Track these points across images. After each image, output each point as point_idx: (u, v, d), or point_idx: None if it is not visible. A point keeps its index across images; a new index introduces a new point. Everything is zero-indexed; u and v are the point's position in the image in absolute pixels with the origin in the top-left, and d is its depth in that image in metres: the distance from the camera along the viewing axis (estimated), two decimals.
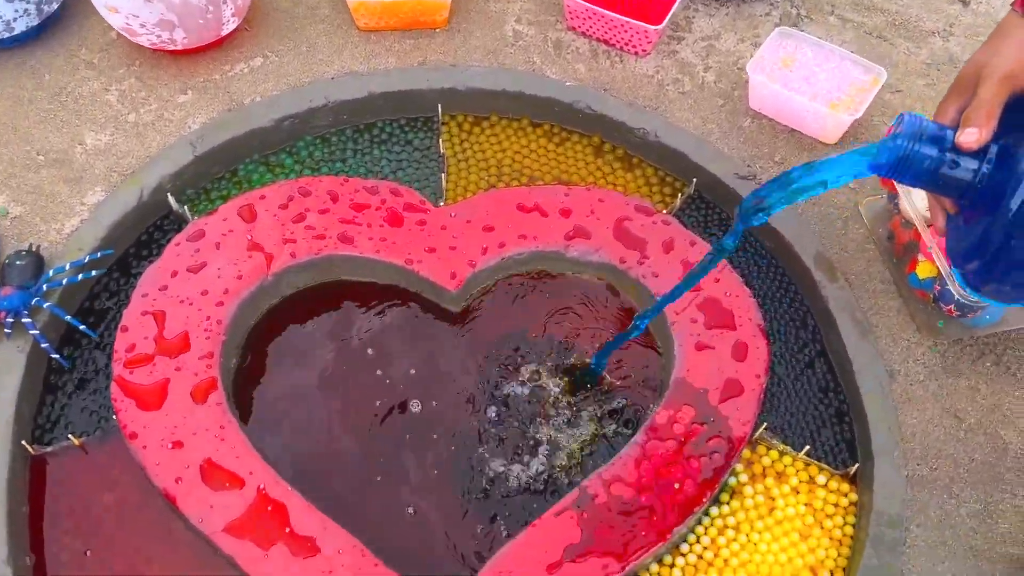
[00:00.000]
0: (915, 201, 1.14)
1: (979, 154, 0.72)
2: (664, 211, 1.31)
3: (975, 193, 0.73)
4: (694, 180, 1.35)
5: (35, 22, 1.37)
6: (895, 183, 1.17)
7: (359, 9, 1.42)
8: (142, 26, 1.31)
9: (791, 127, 1.37)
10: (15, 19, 1.34)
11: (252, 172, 1.36)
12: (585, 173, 1.37)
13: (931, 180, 0.74)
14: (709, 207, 1.35)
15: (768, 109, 1.38)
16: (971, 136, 0.71)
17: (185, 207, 1.30)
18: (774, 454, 1.13)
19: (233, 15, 1.36)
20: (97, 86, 1.39)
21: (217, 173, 1.36)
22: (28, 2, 1.34)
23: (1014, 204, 0.68)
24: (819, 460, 1.13)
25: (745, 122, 1.39)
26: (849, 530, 1.09)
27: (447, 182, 1.35)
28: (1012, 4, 0.82)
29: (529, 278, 1.27)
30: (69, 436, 1.11)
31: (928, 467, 1.09)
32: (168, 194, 1.30)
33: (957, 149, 0.72)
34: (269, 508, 1.03)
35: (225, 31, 1.38)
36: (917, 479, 1.08)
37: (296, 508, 1.03)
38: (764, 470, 1.13)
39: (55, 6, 1.39)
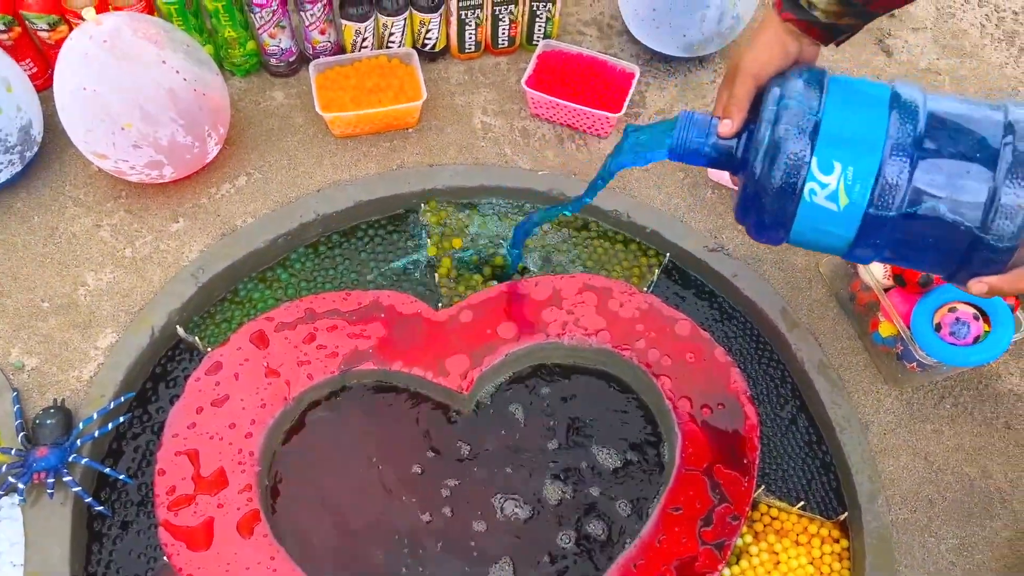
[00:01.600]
0: (873, 270, 1.27)
1: (739, 138, 0.94)
2: (645, 289, 1.41)
3: (737, 168, 0.95)
4: (667, 255, 1.46)
5: (19, 168, 1.40)
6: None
7: (335, 122, 1.49)
8: (132, 168, 1.35)
9: None
10: (1, 170, 1.37)
11: (252, 291, 1.42)
12: (568, 253, 1.47)
13: (709, 161, 0.97)
14: (684, 276, 1.47)
15: (726, 180, 1.50)
16: (725, 127, 0.94)
17: (195, 337, 1.36)
18: (774, 512, 1.26)
19: (216, 144, 1.42)
20: (88, 223, 1.42)
21: (219, 296, 1.41)
22: (12, 154, 1.37)
23: (755, 169, 0.89)
24: (811, 511, 1.26)
25: (707, 193, 1.50)
26: (846, 574, 1.22)
27: (439, 279, 1.43)
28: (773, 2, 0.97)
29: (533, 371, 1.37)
30: None
31: (908, 509, 1.23)
32: (177, 326, 1.35)
33: (719, 135, 0.95)
34: None
35: (210, 159, 1.43)
36: (900, 522, 1.22)
37: None
38: (765, 528, 1.25)
39: (36, 149, 1.42)
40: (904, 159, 0.85)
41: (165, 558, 1.17)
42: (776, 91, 0.91)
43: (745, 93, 0.93)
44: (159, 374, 1.35)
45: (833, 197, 0.88)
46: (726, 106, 0.95)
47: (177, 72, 1.29)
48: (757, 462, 1.25)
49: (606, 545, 1.23)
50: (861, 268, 1.30)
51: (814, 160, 0.87)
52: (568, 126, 1.56)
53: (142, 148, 1.31)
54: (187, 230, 1.42)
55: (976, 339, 1.18)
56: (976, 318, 1.19)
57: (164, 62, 1.28)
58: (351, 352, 1.31)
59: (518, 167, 1.51)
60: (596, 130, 1.54)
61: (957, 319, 1.19)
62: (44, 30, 1.44)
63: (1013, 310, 1.21)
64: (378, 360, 1.31)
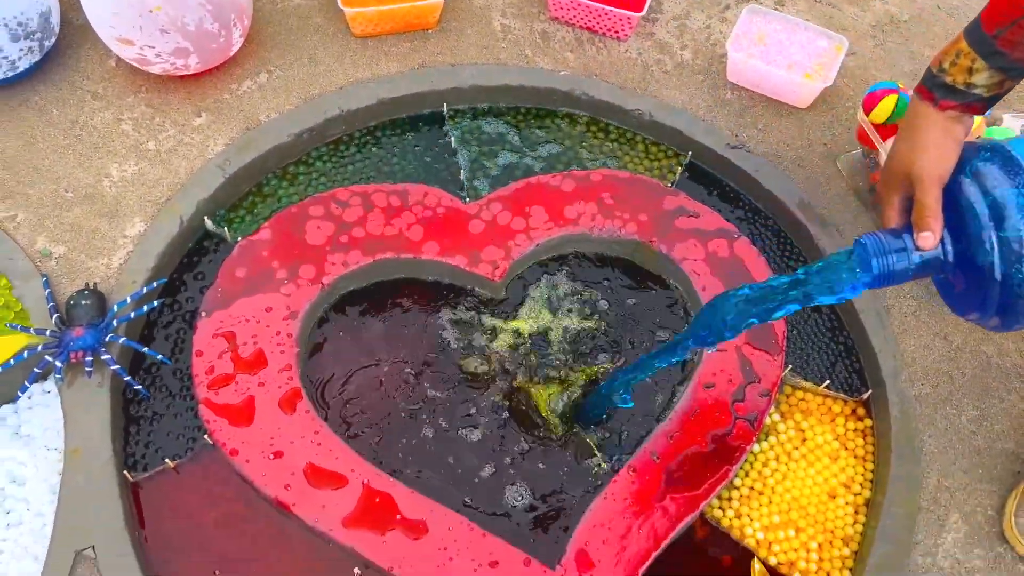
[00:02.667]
0: None
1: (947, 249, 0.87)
2: (668, 184, 1.44)
3: (950, 268, 0.88)
4: (689, 152, 1.48)
5: (37, 58, 1.37)
6: (871, 138, 1.34)
7: (356, 19, 1.48)
8: (157, 56, 1.33)
9: (768, 96, 1.52)
10: (19, 58, 1.34)
11: (277, 186, 1.42)
12: (589, 152, 1.49)
13: (914, 276, 0.89)
14: (704, 175, 1.49)
15: (746, 81, 1.52)
16: (928, 240, 0.86)
17: (224, 228, 1.35)
18: (800, 392, 1.29)
19: (241, 35, 1.40)
20: (109, 116, 1.40)
21: (244, 190, 1.40)
22: (32, 40, 1.34)
23: (997, 273, 0.83)
24: (836, 391, 1.30)
25: (726, 95, 1.53)
26: (870, 448, 1.27)
27: (465, 176, 1.43)
28: (916, 91, 0.93)
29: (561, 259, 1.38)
30: (165, 460, 1.17)
31: (930, 385, 1.27)
32: (205, 217, 1.34)
33: (920, 249, 0.87)
34: (377, 500, 1.13)
35: (234, 51, 1.41)
36: (922, 397, 1.26)
37: (401, 496, 1.14)
38: (791, 407, 1.29)
39: (53, 40, 1.39)
40: None
41: (206, 437, 1.18)
42: (973, 188, 0.86)
43: (936, 200, 0.87)
44: (187, 264, 1.34)
45: None
46: (918, 220, 0.87)
47: None
48: (784, 343, 1.29)
49: (644, 419, 1.26)
50: (881, 155, 1.33)
51: None
52: (588, 28, 1.57)
53: (170, 33, 1.29)
54: (210, 124, 1.41)
55: None
56: None
57: None
58: (383, 241, 1.32)
59: (540, 68, 1.52)
60: (616, 32, 1.55)
61: None
62: None
63: None
64: (410, 250, 1.31)
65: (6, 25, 1.28)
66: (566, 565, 1.11)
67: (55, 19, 1.38)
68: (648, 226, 1.36)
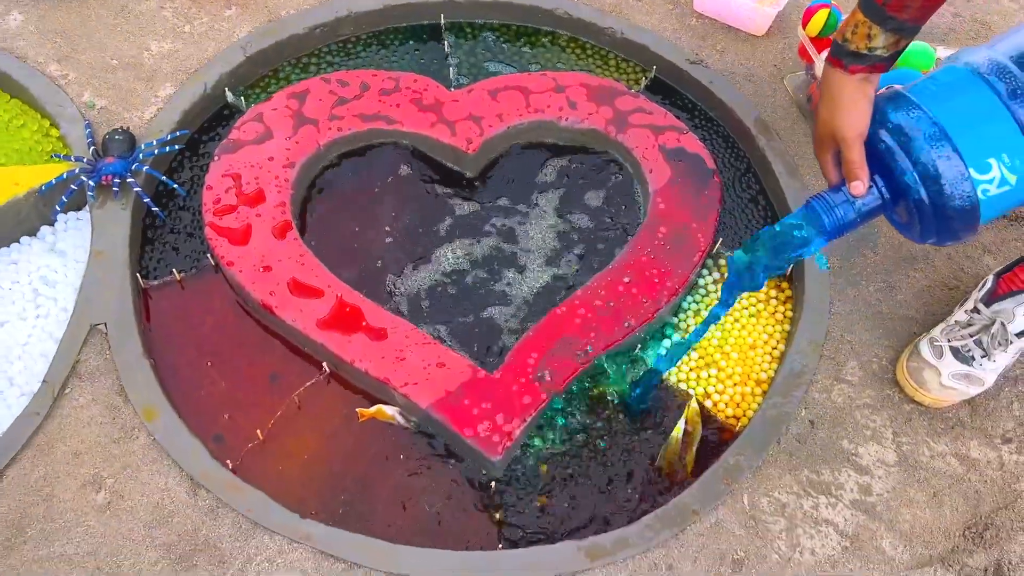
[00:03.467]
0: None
1: (875, 187, 1.02)
2: (634, 90, 1.63)
3: (890, 206, 1.03)
4: (654, 67, 1.68)
5: None
6: (808, 52, 1.52)
7: None
8: None
9: (728, 24, 1.71)
10: None
11: (290, 72, 1.64)
12: (566, 65, 1.69)
13: (863, 220, 1.04)
14: (667, 89, 1.68)
15: (709, 10, 1.72)
16: (858, 188, 1.01)
17: (241, 98, 1.57)
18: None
19: None
20: (153, 4, 1.64)
21: (262, 73, 1.63)
22: None
23: (924, 198, 0.97)
24: None
25: (691, 21, 1.72)
26: (788, 313, 1.43)
27: (454, 74, 1.64)
28: (827, 60, 1.06)
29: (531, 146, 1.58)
30: (172, 271, 1.38)
31: (844, 261, 1.44)
32: (225, 88, 1.57)
33: (855, 197, 1.02)
34: (347, 309, 1.32)
35: None
36: (836, 271, 1.42)
37: (368, 309, 1.33)
38: (722, 275, 1.46)
39: None
40: None
41: (209, 257, 1.38)
42: (886, 133, 1.00)
43: (859, 154, 1.00)
44: (207, 127, 1.56)
45: (1004, 182, 0.96)
46: (848, 173, 1.01)
47: None
48: (717, 219, 1.46)
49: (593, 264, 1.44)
50: (817, 65, 1.51)
51: (971, 171, 0.96)
52: None
53: None
54: (238, 15, 1.64)
55: None
56: None
57: None
58: (374, 113, 1.52)
59: None
60: None
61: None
62: None
63: None
64: (398, 122, 1.52)
65: None
66: (503, 370, 1.29)
67: None
68: (608, 118, 1.55)
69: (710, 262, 1.46)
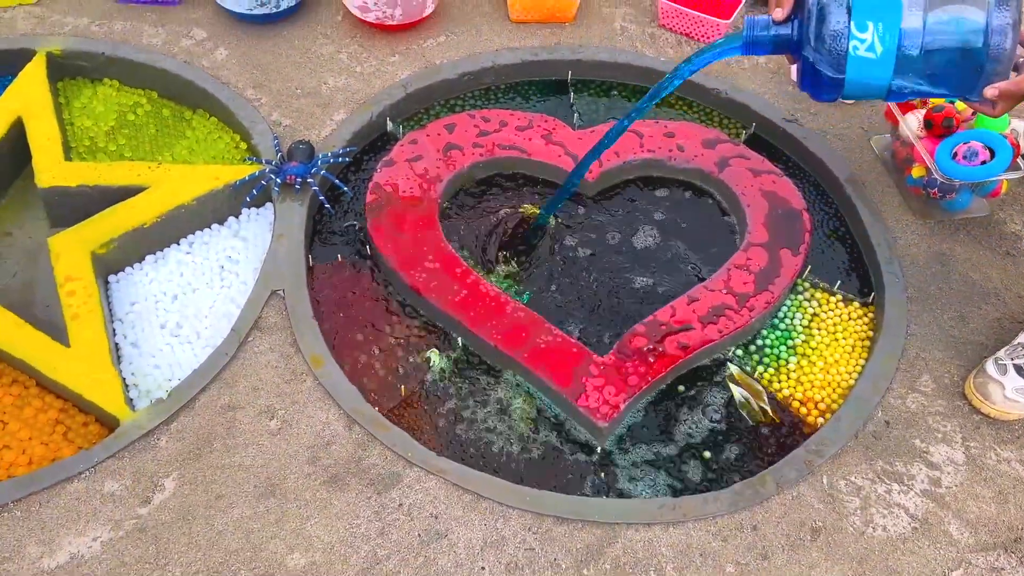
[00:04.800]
0: (909, 123, 1.70)
1: (793, 26, 1.24)
2: (736, 140, 1.86)
3: (794, 49, 1.27)
4: (753, 124, 1.91)
5: (293, 3, 1.97)
6: (894, 114, 1.73)
7: (514, 5, 2.02)
8: (375, 4, 1.90)
9: None
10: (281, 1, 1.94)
11: (440, 111, 1.93)
12: (675, 119, 1.94)
13: (774, 48, 1.28)
14: (765, 144, 1.91)
15: None
16: (778, 13, 1.24)
17: (399, 127, 1.86)
18: (815, 291, 1.65)
19: (432, 2, 1.96)
20: (332, 49, 1.97)
21: (417, 109, 1.93)
22: None
23: (809, 40, 1.21)
24: (846, 293, 1.64)
25: (789, 88, 1.96)
26: (870, 334, 1.59)
27: (577, 119, 1.91)
28: None
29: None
30: (338, 256, 1.65)
31: (922, 293, 1.60)
32: (387, 118, 1.86)
33: (777, 24, 1.26)
34: (480, 292, 1.55)
35: (425, 13, 1.97)
36: (914, 298, 1.59)
37: (497, 295, 1.55)
38: (810, 297, 1.64)
39: None
40: (918, 9, 1.21)
41: (367, 247, 1.64)
42: None
43: None
44: (370, 148, 1.85)
45: (871, 48, 1.18)
46: (776, 1, 1.27)
47: None
48: (807, 251, 1.66)
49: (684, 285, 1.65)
50: (901, 125, 1.72)
51: (852, 24, 1.18)
52: (687, 35, 2.05)
53: None
54: (400, 62, 1.96)
55: (983, 163, 1.59)
56: (984, 149, 1.59)
57: None
58: (511, 144, 1.79)
59: (646, 55, 2.01)
60: (710, 37, 2.03)
61: (969, 147, 1.59)
62: None
63: (1015, 153, 1.60)
64: (531, 152, 1.78)
65: None
66: (613, 354, 1.49)
67: None
68: (712, 160, 1.79)
69: (799, 284, 1.65)
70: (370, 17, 1.95)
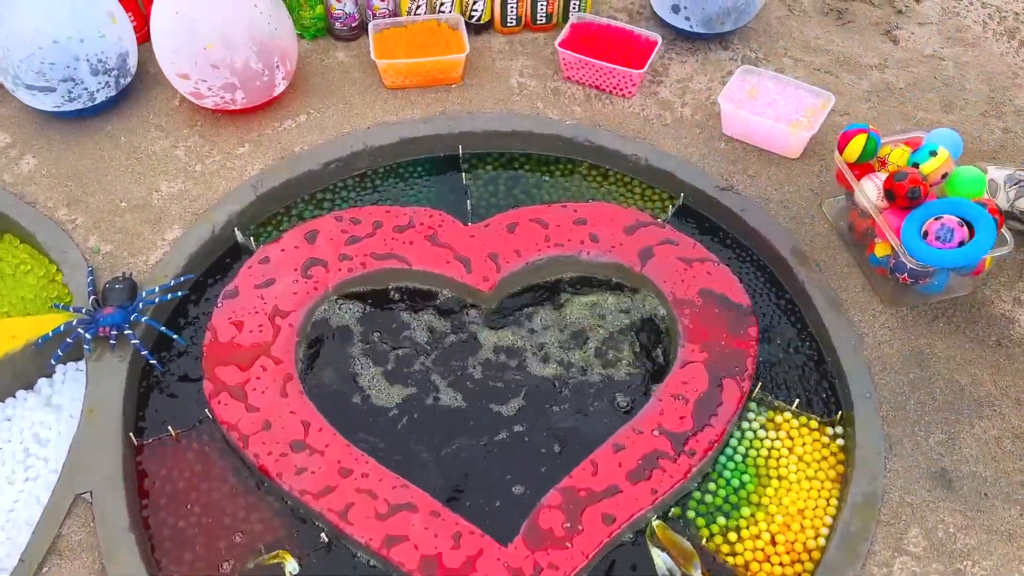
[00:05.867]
0: (868, 193, 1.38)
1: None
2: (660, 219, 1.53)
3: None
4: (682, 194, 1.59)
5: (113, 93, 1.61)
6: (848, 180, 1.42)
7: (387, 70, 1.68)
8: (209, 89, 1.55)
9: (759, 147, 1.62)
10: (97, 90, 1.58)
11: (303, 209, 1.59)
12: (588, 194, 1.61)
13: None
14: (697, 216, 1.59)
15: (738, 133, 1.63)
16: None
17: (250, 238, 1.52)
18: (771, 413, 1.33)
19: (283, 78, 1.61)
20: (167, 144, 1.62)
21: (273, 211, 1.58)
22: (109, 75, 1.58)
23: None
24: (808, 411, 1.33)
25: (720, 145, 1.64)
26: (840, 468, 1.28)
27: (471, 205, 1.57)
28: None
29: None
30: (168, 428, 1.30)
31: (900, 408, 1.29)
32: (235, 228, 1.52)
33: None
34: (351, 475, 1.21)
35: (276, 92, 1.62)
36: (891, 419, 1.28)
37: (375, 473, 1.22)
38: (764, 423, 1.33)
39: (129, 79, 1.63)
40: None
41: (207, 411, 1.30)
42: None
43: None
44: (214, 268, 1.50)
45: None
46: None
47: (255, 6, 1.50)
48: (755, 361, 1.34)
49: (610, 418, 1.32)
50: (857, 194, 1.41)
51: None
52: (596, 87, 1.72)
53: (220, 69, 1.51)
54: (251, 153, 1.61)
55: (961, 243, 1.28)
56: (961, 225, 1.28)
57: None
58: (387, 252, 1.45)
59: (548, 117, 1.68)
60: (622, 90, 1.70)
61: (943, 225, 1.28)
62: None
63: (998, 225, 1.30)
64: (410, 261, 1.44)
65: (88, 60, 1.53)
66: (520, 541, 1.16)
67: (132, 62, 1.62)
68: (633, 251, 1.46)
69: (752, 404, 1.33)
70: (207, 103, 1.59)
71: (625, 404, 1.34)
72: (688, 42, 1.83)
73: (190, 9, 1.46)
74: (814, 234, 1.51)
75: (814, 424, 1.32)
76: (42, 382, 1.38)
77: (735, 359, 1.34)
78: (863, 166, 1.42)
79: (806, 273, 1.45)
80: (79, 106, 1.58)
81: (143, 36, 1.72)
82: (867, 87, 1.75)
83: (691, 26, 1.76)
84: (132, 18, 1.71)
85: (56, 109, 1.58)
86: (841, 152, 1.42)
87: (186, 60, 1.50)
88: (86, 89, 1.56)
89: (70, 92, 1.55)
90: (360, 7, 1.79)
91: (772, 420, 1.33)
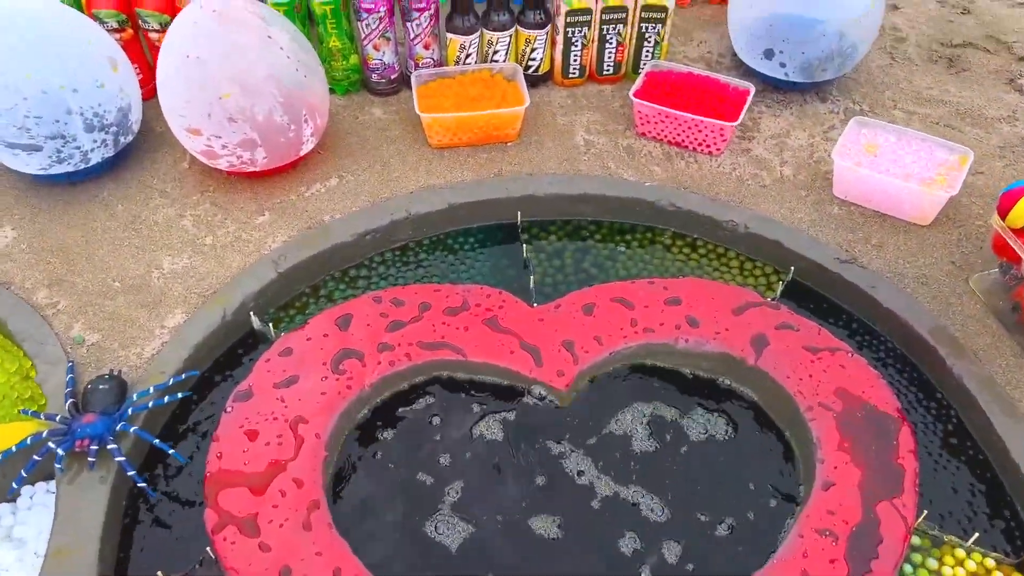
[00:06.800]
0: None
1: None
2: (769, 298, 1.25)
3: None
4: (791, 268, 1.31)
5: (110, 153, 1.36)
6: (1014, 248, 1.13)
7: (433, 126, 1.43)
8: (223, 147, 1.29)
9: (881, 211, 1.35)
10: (92, 150, 1.33)
11: (333, 289, 1.31)
12: (674, 269, 1.33)
13: None
14: (806, 294, 1.30)
15: (855, 195, 1.36)
16: None
17: (269, 324, 1.24)
18: (936, 552, 1.02)
19: (312, 135, 1.36)
20: (172, 213, 1.36)
21: (298, 291, 1.31)
22: (107, 132, 1.33)
23: None
24: (984, 549, 1.02)
25: (833, 210, 1.37)
26: None
27: (535, 285, 1.30)
28: None
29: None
30: (159, 575, 0.99)
31: None
32: (251, 313, 1.24)
33: None
34: None
35: (304, 151, 1.37)
36: None
37: None
38: (931, 563, 1.01)
39: (130, 138, 1.39)
40: None
41: (208, 550, 1.00)
42: None
43: None
44: (225, 361, 1.22)
45: None
46: None
47: (281, 49, 1.26)
48: (917, 484, 1.03)
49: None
50: None
51: None
52: (676, 144, 1.47)
53: (237, 123, 1.26)
54: (272, 222, 1.34)
55: None
56: None
57: (269, 37, 1.25)
58: (437, 340, 1.17)
59: (623, 178, 1.41)
60: (708, 146, 1.44)
61: None
62: (155, 30, 1.45)
63: None
64: (466, 351, 1.16)
65: (82, 114, 1.28)
66: None
67: (134, 117, 1.38)
68: (744, 338, 1.17)
69: (915, 539, 1.02)
70: (221, 164, 1.34)
71: (748, 542, 1.03)
72: (779, 93, 1.58)
73: (204, 51, 1.22)
74: (964, 316, 1.21)
75: (990, 564, 1.00)
76: (5, 507, 1.09)
77: (890, 479, 1.03)
78: None
79: (963, 366, 1.15)
80: (69, 168, 1.33)
81: (149, 92, 1.48)
82: (998, 142, 1.48)
83: (786, 74, 1.51)
84: (138, 71, 1.48)
85: (42, 172, 1.33)
86: (1004, 216, 1.14)
87: (198, 112, 1.25)
88: (79, 148, 1.31)
89: (59, 152, 1.30)
90: (400, 57, 1.56)
91: (941, 560, 1.01)
